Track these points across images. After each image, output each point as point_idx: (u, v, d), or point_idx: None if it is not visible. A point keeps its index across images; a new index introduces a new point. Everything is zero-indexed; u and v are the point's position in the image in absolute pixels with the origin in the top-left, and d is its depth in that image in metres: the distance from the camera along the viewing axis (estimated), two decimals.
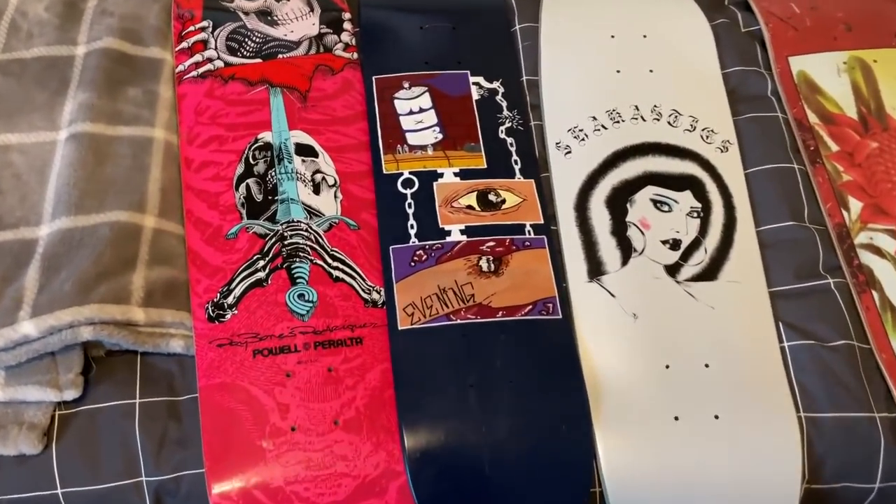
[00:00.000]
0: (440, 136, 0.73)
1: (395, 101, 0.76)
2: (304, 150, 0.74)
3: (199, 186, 0.71)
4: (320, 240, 0.70)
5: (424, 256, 0.66)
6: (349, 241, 0.71)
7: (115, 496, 0.61)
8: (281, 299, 0.67)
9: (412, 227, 0.69)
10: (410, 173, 0.71)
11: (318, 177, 0.73)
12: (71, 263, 0.63)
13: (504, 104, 0.76)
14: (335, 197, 0.73)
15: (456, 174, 0.71)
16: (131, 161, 0.71)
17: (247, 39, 0.79)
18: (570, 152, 0.76)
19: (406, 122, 0.74)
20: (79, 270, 0.62)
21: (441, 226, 0.68)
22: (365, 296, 0.69)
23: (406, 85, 0.76)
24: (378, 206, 0.71)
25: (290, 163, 0.73)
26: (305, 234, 0.70)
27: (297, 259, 0.69)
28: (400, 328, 0.67)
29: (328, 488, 0.61)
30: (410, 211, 0.70)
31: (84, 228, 0.65)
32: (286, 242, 0.70)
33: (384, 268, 0.69)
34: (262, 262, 0.68)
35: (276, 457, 0.61)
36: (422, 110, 0.75)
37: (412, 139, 0.73)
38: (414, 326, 0.67)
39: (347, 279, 0.69)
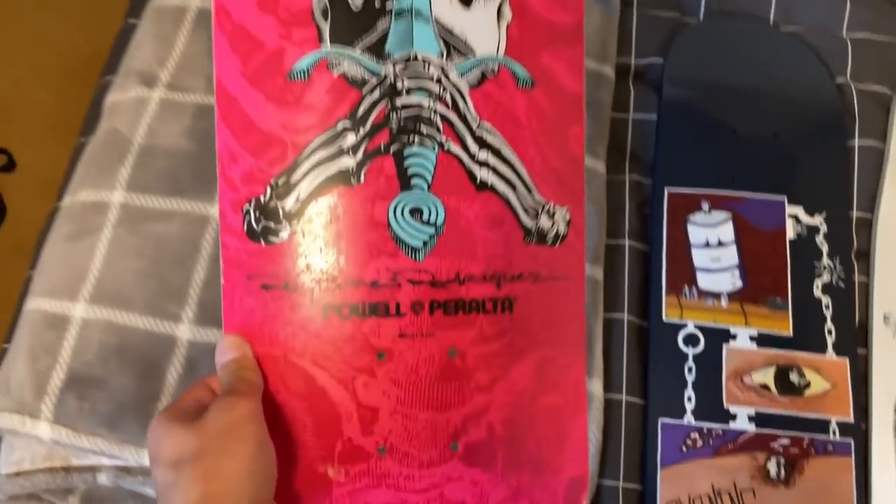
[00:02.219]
0: (739, 284, 0.55)
1: (689, 227, 0.56)
2: None
3: None
4: (461, 104, 0.38)
5: (700, 442, 0.50)
6: (513, 110, 0.38)
7: None
8: (380, 214, 0.37)
9: (689, 399, 0.52)
10: (696, 327, 0.54)
11: None
12: None
13: (825, 248, 0.58)
14: (498, 16, 0.38)
15: (752, 338, 0.54)
16: None
17: None
18: None
19: (699, 257, 0.55)
20: None
21: (726, 405, 0.51)
22: (527, 221, 0.38)
23: (705, 206, 0.57)
24: (651, 364, 0.51)
25: None
26: (436, 87, 0.37)
27: (416, 137, 0.37)
28: None
29: None
30: (690, 378, 0.52)
31: None
32: (399, 103, 0.37)
33: (648, 446, 0.48)
34: (352, 137, 0.37)
35: (350, 496, 0.37)
36: (721, 244, 0.56)
37: (704, 281, 0.55)
38: None
39: (501, 187, 0.38)
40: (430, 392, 0.38)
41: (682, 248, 0.56)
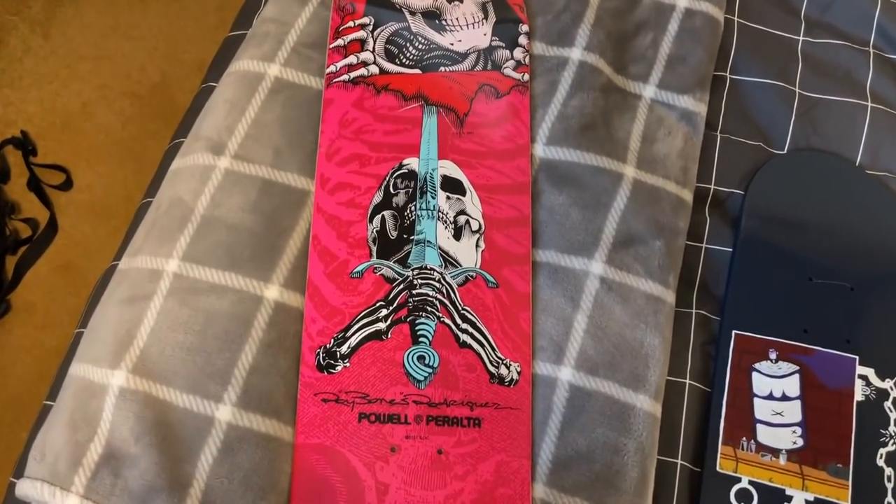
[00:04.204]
0: (800, 443, 0.52)
1: (754, 375, 0.56)
2: (451, 186, 0.65)
3: (330, 211, 0.64)
4: (452, 295, 0.62)
5: None
6: (484, 300, 0.62)
7: None
8: (398, 358, 0.59)
9: None
10: (751, 483, 0.51)
11: (462, 219, 0.64)
12: None
13: (892, 416, 0.55)
14: (476, 246, 0.64)
15: (809, 503, 0.51)
16: None
17: (408, 45, 0.70)
18: None
19: (761, 409, 0.53)
20: None
21: None
22: (491, 369, 0.60)
23: (773, 356, 0.56)
24: None
25: (433, 198, 0.64)
26: (437, 285, 0.62)
27: (424, 314, 0.61)
28: None
29: None
30: None
31: None
32: (414, 293, 0.61)
33: None
34: (384, 311, 0.61)
35: None
36: (785, 397, 0.54)
37: (763, 435, 0.53)
38: None
39: (475, 346, 0.60)
40: (424, 477, 0.57)
41: (744, 396, 0.52)
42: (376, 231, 0.63)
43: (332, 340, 0.60)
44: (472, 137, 0.67)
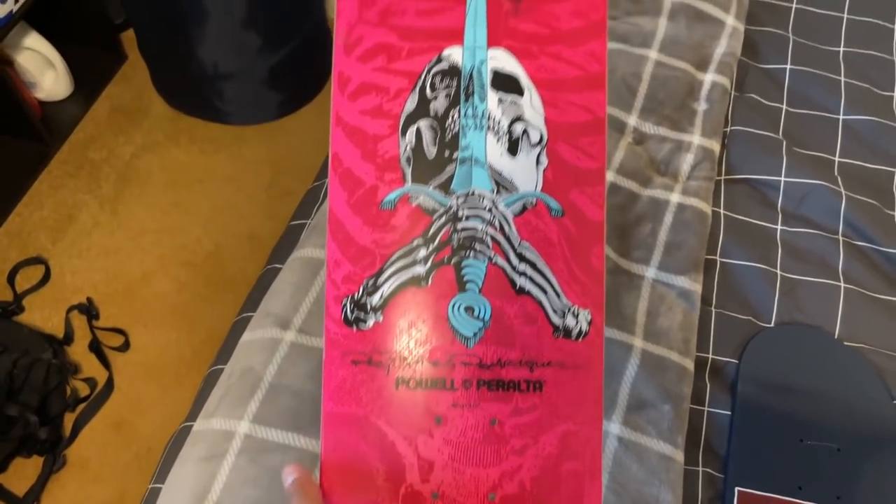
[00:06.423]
0: None
1: None
2: (505, 83, 0.51)
3: (353, 122, 0.50)
4: (507, 228, 0.49)
5: None
6: (547, 234, 0.50)
7: None
8: (442, 310, 0.49)
9: None
10: None
11: (519, 128, 0.50)
12: None
13: None
14: (537, 162, 0.50)
15: None
16: None
17: None
18: None
19: None
20: None
21: None
22: (555, 319, 0.49)
23: None
24: None
25: (481, 101, 0.50)
26: (488, 215, 0.49)
27: (472, 253, 0.49)
28: None
29: None
30: None
31: None
32: (459, 226, 0.49)
33: None
34: (423, 251, 0.49)
35: None
36: None
37: None
38: None
39: (535, 292, 0.49)
40: (475, 451, 0.48)
41: None
42: (410, 147, 0.50)
43: (362, 289, 0.49)
44: (531, 16, 0.51)
